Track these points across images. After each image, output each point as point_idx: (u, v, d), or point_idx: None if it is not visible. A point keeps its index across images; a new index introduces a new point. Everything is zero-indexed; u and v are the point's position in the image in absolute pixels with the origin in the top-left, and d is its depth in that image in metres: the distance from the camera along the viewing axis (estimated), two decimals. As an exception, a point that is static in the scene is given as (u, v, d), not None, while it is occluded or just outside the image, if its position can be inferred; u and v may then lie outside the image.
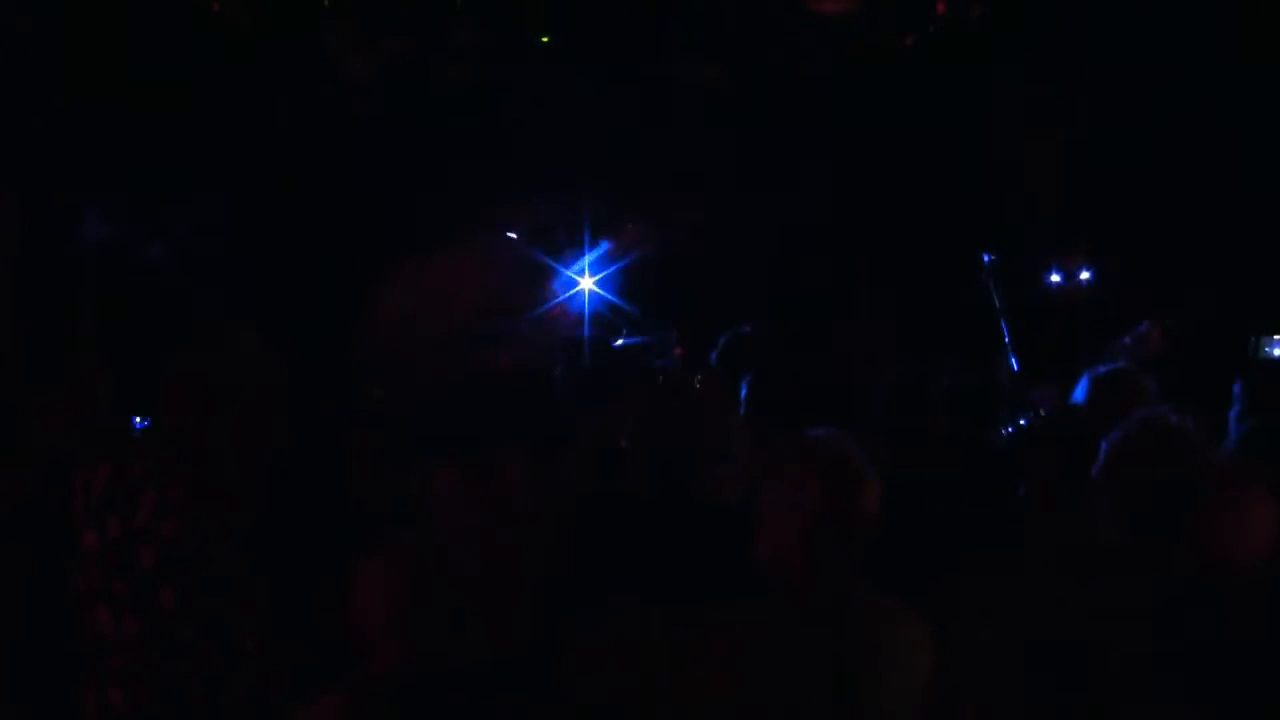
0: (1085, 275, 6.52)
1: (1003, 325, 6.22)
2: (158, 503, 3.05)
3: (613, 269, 6.36)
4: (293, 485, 3.48)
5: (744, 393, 4.49)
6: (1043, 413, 4.32)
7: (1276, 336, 5.56)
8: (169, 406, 3.20)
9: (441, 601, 2.71)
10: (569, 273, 6.23)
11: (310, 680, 2.99)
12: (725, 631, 2.84)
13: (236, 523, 3.07)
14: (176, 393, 3.19)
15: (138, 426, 3.85)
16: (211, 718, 3.05)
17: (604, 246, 6.28)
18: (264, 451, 3.27)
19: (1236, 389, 4.13)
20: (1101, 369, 4.17)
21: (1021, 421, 4.54)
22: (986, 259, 6.35)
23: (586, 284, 6.32)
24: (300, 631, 3.13)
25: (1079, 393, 4.14)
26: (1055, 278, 6.55)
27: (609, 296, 6.35)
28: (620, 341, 6.35)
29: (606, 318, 6.38)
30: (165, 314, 5.92)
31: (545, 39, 7.20)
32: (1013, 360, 6.08)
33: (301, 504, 3.47)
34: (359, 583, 2.73)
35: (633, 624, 3.06)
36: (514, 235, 6.27)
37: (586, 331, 6.18)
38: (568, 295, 6.23)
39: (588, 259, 6.32)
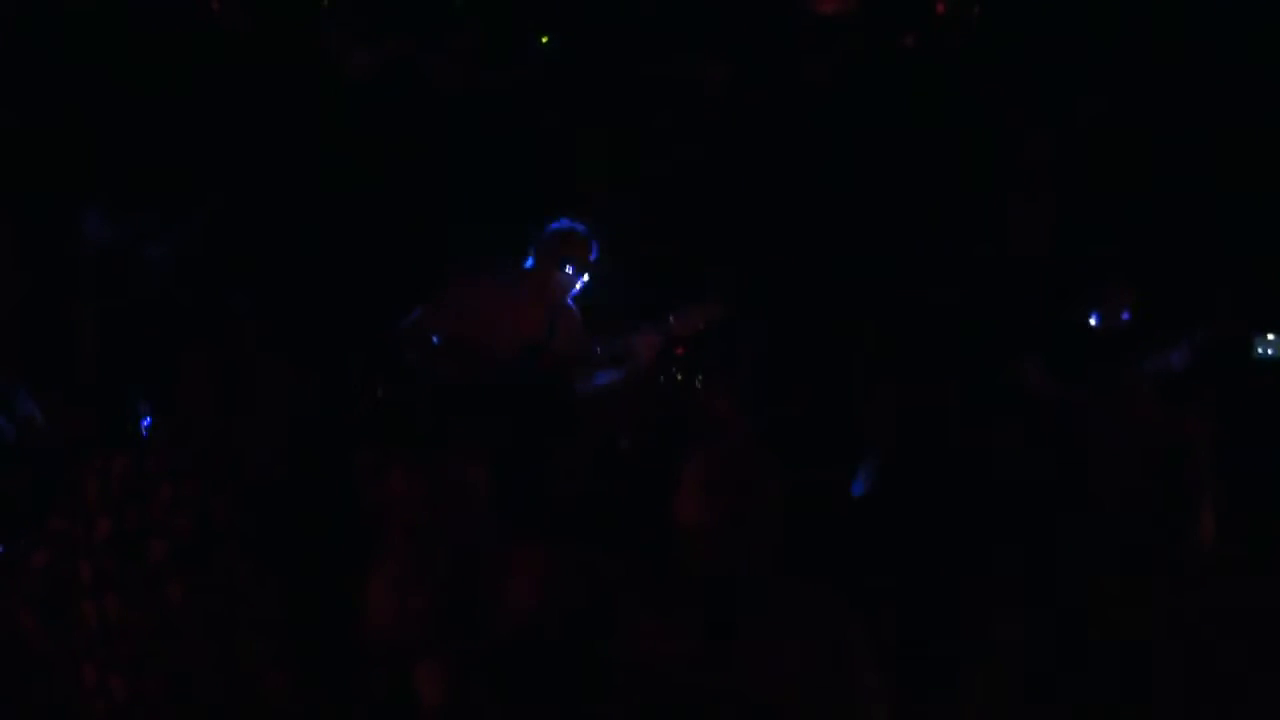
0: (1125, 316, 6.48)
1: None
2: (173, 497, 3.07)
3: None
4: (300, 486, 3.50)
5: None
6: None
7: (1270, 336, 5.56)
8: (182, 405, 3.23)
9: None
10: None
11: (314, 681, 3.01)
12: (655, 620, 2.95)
13: (247, 522, 3.10)
14: (190, 391, 3.22)
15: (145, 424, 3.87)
16: (214, 714, 3.07)
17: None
18: (276, 451, 3.31)
19: None
20: (1098, 368, 4.18)
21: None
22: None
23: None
24: (306, 632, 3.14)
25: (1076, 393, 4.16)
26: (1093, 321, 6.48)
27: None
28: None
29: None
30: (167, 315, 5.93)
31: (545, 39, 7.21)
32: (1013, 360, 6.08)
33: (309, 505, 3.50)
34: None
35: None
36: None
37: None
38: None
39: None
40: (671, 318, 5.84)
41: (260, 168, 6.65)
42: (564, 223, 6.07)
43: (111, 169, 6.35)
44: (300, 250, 6.56)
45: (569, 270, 5.91)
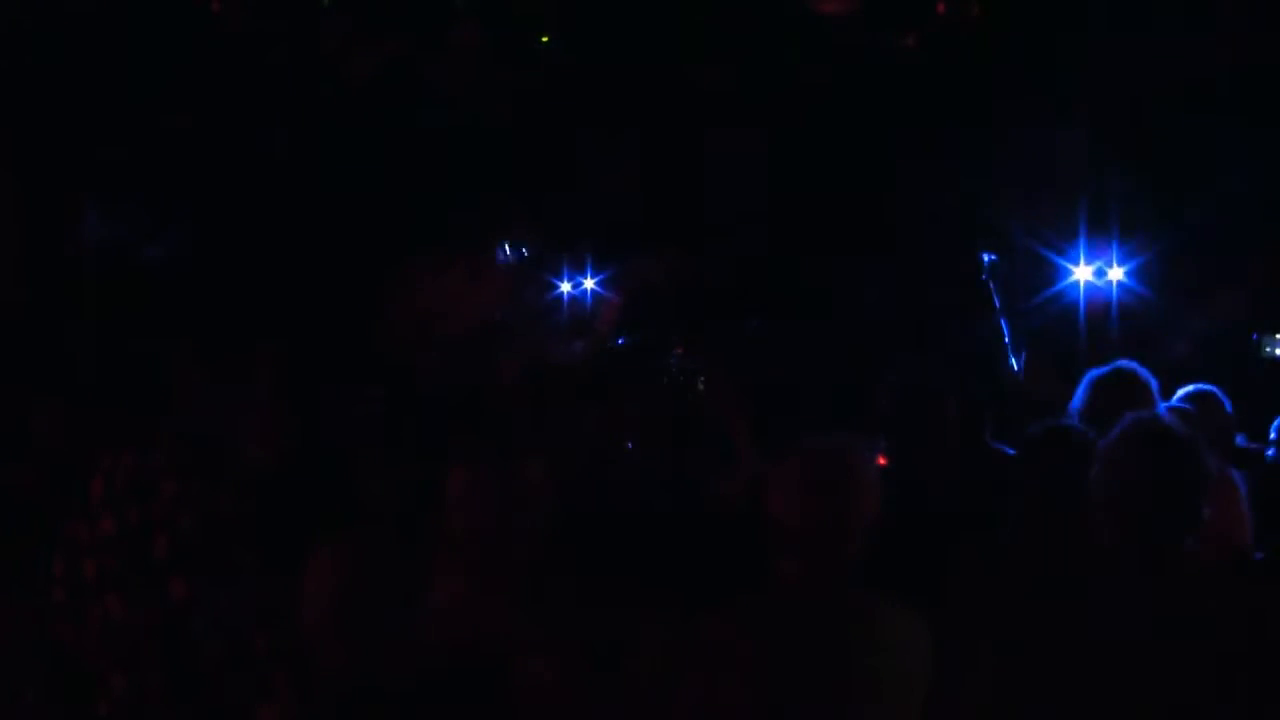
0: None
1: (1003, 325, 6.22)
2: (176, 494, 3.07)
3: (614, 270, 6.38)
4: (303, 483, 3.51)
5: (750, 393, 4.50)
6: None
7: (1278, 335, 5.57)
8: (184, 403, 3.23)
9: (381, 605, 2.64)
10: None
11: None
12: (721, 630, 2.91)
13: (251, 519, 3.10)
14: (193, 389, 3.22)
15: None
16: (216, 712, 3.07)
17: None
18: (279, 449, 3.30)
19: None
20: (1100, 369, 4.18)
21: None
22: (987, 259, 6.35)
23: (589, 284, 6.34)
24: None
25: (1079, 393, 4.15)
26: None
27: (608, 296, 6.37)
28: (620, 341, 6.36)
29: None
30: (165, 314, 5.94)
31: (545, 39, 7.20)
32: (1013, 361, 6.08)
33: (312, 502, 3.50)
34: (304, 582, 2.67)
35: (632, 623, 3.09)
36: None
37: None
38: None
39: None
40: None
41: (259, 168, 6.65)
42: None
43: (111, 169, 6.35)
44: (299, 248, 6.56)
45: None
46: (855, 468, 2.94)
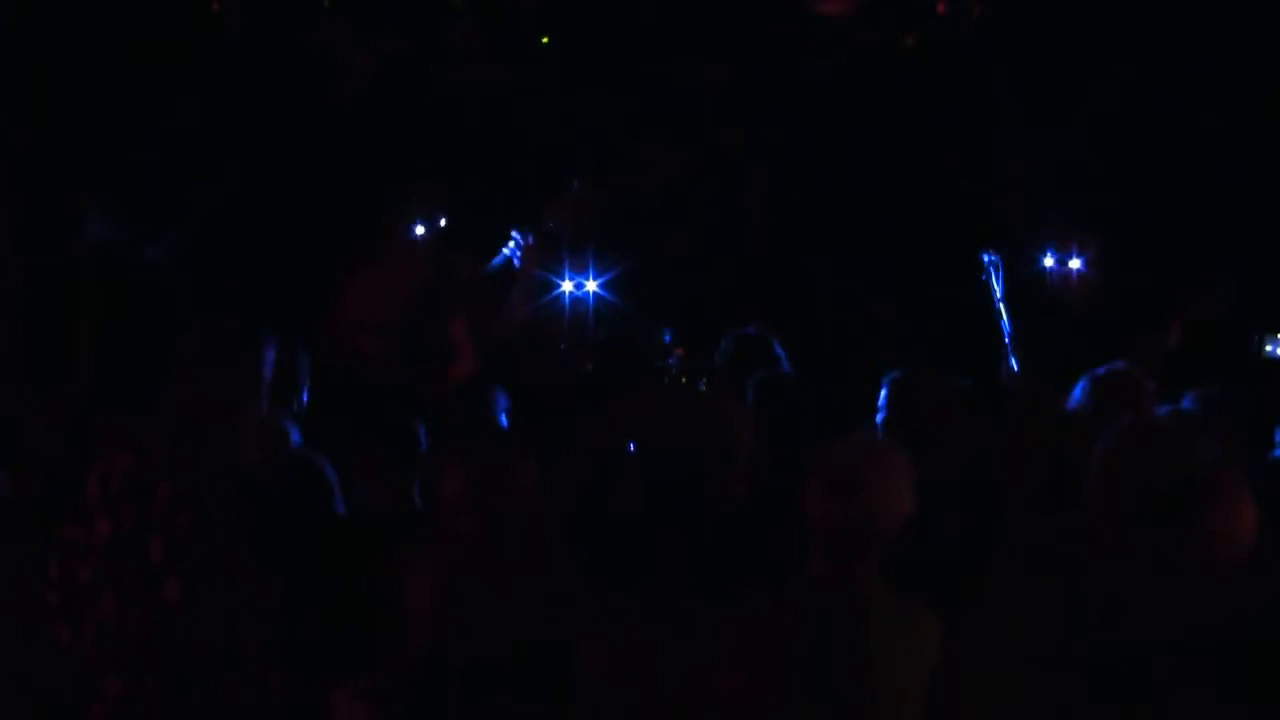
0: (1077, 263, 6.53)
1: (1003, 325, 6.22)
2: (172, 495, 3.07)
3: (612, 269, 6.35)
4: (298, 485, 3.50)
5: (751, 396, 4.49)
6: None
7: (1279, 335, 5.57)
8: (181, 402, 3.23)
9: (481, 593, 2.72)
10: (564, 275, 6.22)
11: (311, 679, 3.01)
12: (737, 626, 2.96)
13: (246, 520, 3.10)
14: (189, 389, 3.22)
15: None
16: (211, 713, 3.07)
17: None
18: (275, 448, 3.30)
19: None
20: (1100, 370, 4.18)
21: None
22: (988, 258, 6.35)
23: (590, 285, 6.31)
24: (304, 632, 3.14)
25: (1077, 394, 4.15)
26: (1049, 261, 6.53)
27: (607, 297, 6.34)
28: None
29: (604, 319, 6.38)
30: (165, 314, 5.94)
31: (545, 39, 7.21)
32: (1013, 360, 6.08)
33: (308, 504, 3.49)
34: (411, 568, 2.74)
35: (642, 621, 3.10)
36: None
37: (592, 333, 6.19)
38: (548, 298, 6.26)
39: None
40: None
41: (259, 167, 6.65)
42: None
43: (111, 169, 6.35)
44: (298, 248, 6.56)
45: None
46: (885, 467, 2.98)
